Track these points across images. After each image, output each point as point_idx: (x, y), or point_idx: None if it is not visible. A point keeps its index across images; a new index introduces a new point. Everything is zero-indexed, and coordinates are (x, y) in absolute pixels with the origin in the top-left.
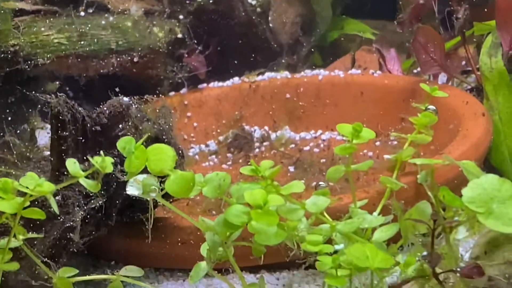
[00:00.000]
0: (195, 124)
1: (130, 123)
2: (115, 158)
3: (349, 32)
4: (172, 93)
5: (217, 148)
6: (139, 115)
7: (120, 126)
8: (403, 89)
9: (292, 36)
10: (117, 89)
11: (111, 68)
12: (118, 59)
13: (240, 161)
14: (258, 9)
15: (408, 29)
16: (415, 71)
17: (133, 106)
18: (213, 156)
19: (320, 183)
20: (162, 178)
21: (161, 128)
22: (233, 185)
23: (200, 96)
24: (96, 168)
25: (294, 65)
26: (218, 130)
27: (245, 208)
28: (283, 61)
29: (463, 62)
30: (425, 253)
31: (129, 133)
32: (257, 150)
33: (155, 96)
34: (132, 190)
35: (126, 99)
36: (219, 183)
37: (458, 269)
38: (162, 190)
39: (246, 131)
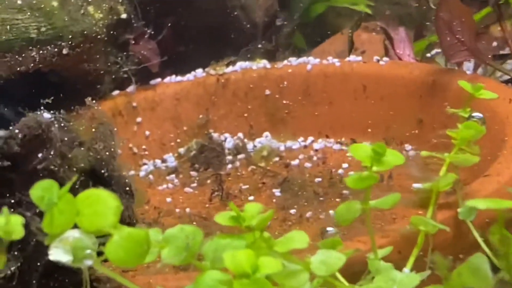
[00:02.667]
0: (147, 132)
1: (53, 151)
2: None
3: (338, 5)
4: (116, 92)
5: (177, 164)
6: (66, 138)
7: (40, 155)
8: (419, 81)
9: (268, 12)
10: (41, 93)
11: (32, 65)
12: (41, 52)
13: (208, 181)
14: None
15: None
16: (428, 55)
17: (57, 124)
18: (173, 176)
19: (328, 228)
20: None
21: (98, 156)
22: (206, 241)
23: (152, 95)
24: None
25: (273, 50)
26: (178, 140)
27: (224, 275)
28: (259, 46)
29: (494, 44)
30: None
31: (53, 166)
32: (229, 166)
33: (92, 100)
34: (56, 254)
35: (47, 115)
36: (185, 242)
37: None
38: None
39: (214, 141)
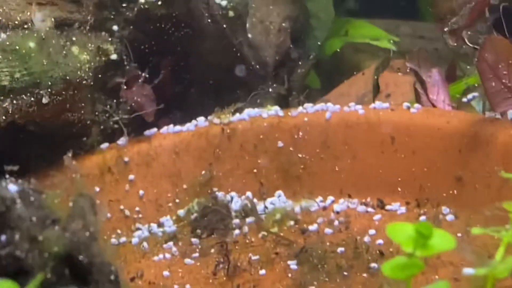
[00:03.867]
0: (141, 192)
1: (20, 233)
2: None
3: (358, 40)
4: (105, 145)
5: (175, 229)
6: (36, 216)
7: (2, 238)
8: (458, 133)
9: (279, 50)
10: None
11: (3, 118)
12: (16, 102)
13: (212, 250)
14: (231, 13)
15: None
16: (465, 99)
17: (25, 198)
18: (170, 243)
19: None
20: None
21: (76, 238)
22: None
23: (147, 149)
24: None
25: (286, 95)
26: (177, 201)
27: None
28: (270, 89)
29: None
30: None
31: (19, 251)
32: (237, 231)
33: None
34: None
35: (12, 186)
36: None
37: None
38: None
39: (219, 201)
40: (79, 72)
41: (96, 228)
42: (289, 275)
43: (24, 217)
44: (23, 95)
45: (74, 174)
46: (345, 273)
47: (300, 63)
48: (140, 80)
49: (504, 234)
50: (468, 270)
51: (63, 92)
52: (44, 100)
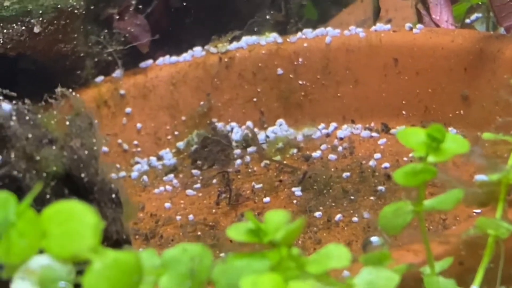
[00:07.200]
0: (138, 125)
1: (15, 152)
2: None
3: None
4: (100, 79)
5: (175, 161)
6: (32, 135)
7: None
8: (464, 51)
9: None
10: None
11: None
12: (6, 31)
13: (214, 181)
14: None
15: None
16: (468, 20)
17: (20, 117)
18: (171, 176)
19: (373, 238)
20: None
21: (75, 156)
22: (217, 263)
23: (144, 81)
24: None
25: (284, 22)
26: (176, 133)
27: None
28: (267, 17)
29: None
30: None
31: (16, 171)
32: (238, 162)
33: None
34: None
35: (6, 106)
36: (190, 267)
37: None
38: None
39: (219, 132)
40: (70, 1)
41: (96, 146)
42: (294, 201)
43: (20, 135)
44: (14, 24)
45: (70, 96)
46: (352, 197)
47: None
48: (132, 10)
49: None
50: (480, 177)
51: (55, 22)
52: (36, 30)
